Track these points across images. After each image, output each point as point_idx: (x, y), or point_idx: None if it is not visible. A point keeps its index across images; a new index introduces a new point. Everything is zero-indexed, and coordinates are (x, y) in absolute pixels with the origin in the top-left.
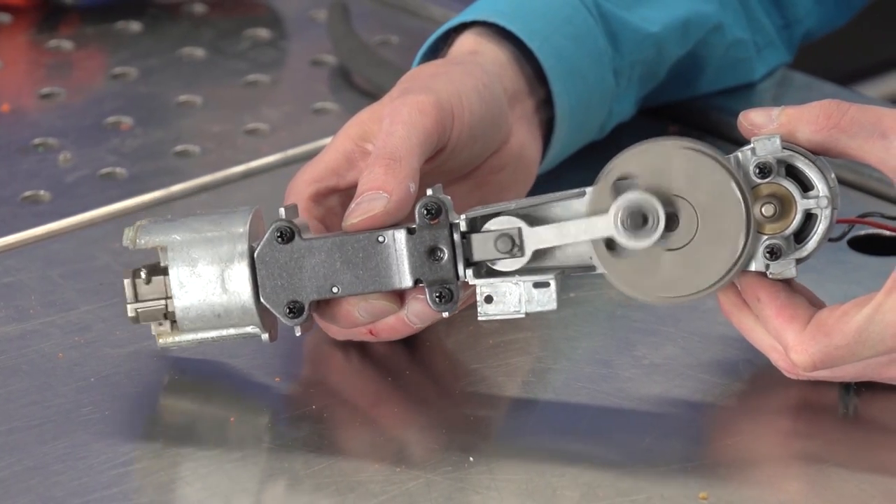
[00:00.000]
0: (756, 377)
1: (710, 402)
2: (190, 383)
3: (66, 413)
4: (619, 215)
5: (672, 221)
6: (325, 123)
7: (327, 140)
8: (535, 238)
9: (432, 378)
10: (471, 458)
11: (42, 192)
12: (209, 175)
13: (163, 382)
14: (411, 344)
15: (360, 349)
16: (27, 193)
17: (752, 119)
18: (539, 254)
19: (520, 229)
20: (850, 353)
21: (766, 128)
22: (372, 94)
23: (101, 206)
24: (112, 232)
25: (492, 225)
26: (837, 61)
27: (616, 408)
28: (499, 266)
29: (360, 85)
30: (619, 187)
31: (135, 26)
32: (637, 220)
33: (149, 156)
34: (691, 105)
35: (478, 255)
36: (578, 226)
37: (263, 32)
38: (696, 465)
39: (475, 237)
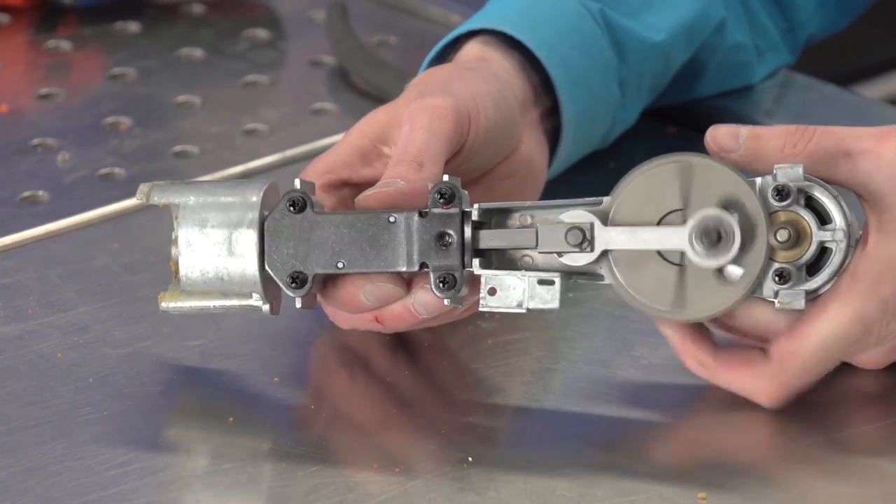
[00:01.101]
0: None
1: (709, 402)
2: (188, 384)
3: (65, 414)
4: (696, 230)
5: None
6: (323, 124)
7: (326, 141)
8: (606, 237)
9: (431, 378)
10: (469, 459)
11: (41, 193)
12: (208, 176)
13: (162, 383)
14: (410, 344)
15: (358, 349)
16: (26, 194)
17: (720, 141)
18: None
19: (592, 224)
20: (822, 363)
21: (734, 152)
22: (370, 95)
23: (99, 206)
24: (111, 232)
25: (564, 217)
26: (838, 62)
27: (615, 408)
28: (566, 259)
29: (358, 85)
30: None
31: (133, 27)
32: (712, 237)
33: (147, 156)
34: (690, 106)
35: (545, 246)
36: (652, 233)
37: (262, 33)
38: (695, 465)
39: (543, 228)
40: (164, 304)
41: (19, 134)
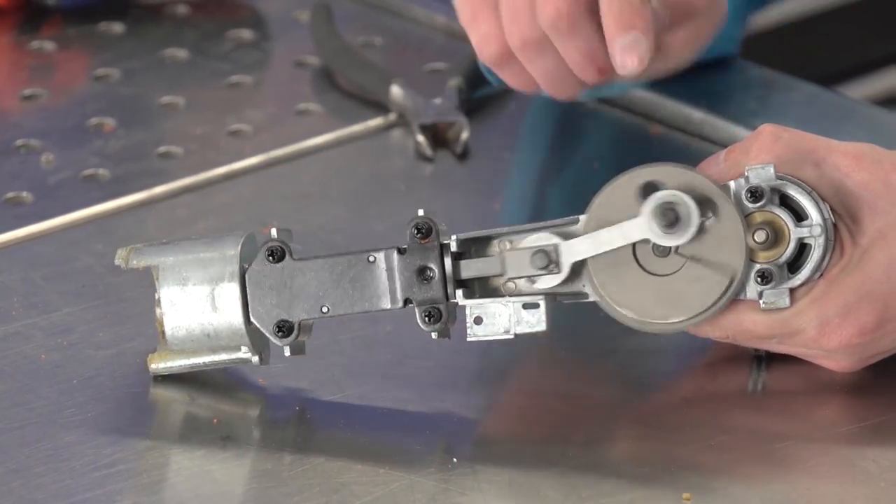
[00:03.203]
0: (739, 378)
1: (693, 402)
2: (174, 385)
3: (49, 415)
4: (652, 214)
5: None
6: (308, 125)
7: (311, 141)
8: (571, 251)
9: (415, 379)
10: (454, 459)
11: (24, 194)
12: (192, 177)
13: (146, 384)
14: (393, 344)
15: (343, 350)
16: (9, 195)
17: (706, 167)
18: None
19: (556, 245)
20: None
21: (716, 174)
22: (355, 96)
23: (83, 207)
24: (95, 234)
25: (527, 242)
26: (820, 62)
27: (598, 408)
28: (538, 284)
29: (343, 86)
30: (646, 192)
31: (117, 27)
32: (670, 217)
33: (132, 157)
34: (675, 106)
35: (512, 272)
36: (612, 232)
37: (246, 34)
38: (680, 465)
39: (509, 254)
40: (153, 366)
41: (3, 135)
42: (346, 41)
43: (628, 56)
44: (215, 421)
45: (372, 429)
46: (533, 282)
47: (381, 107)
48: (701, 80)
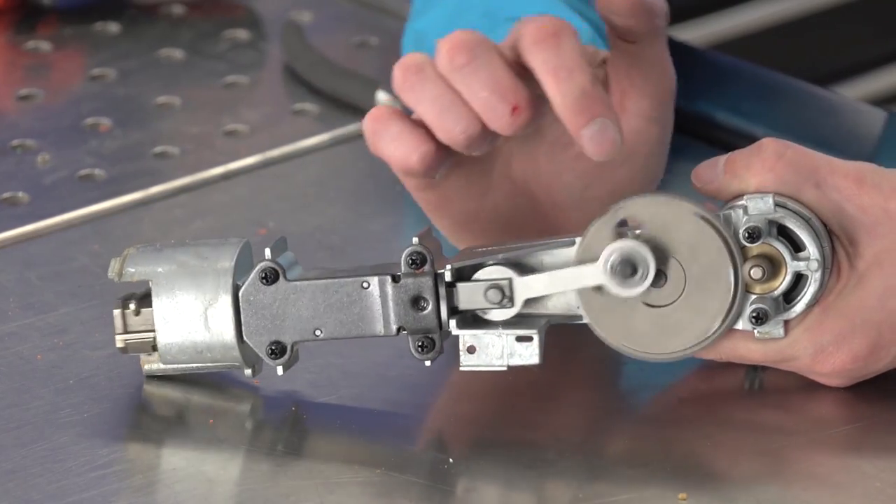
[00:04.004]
0: (736, 378)
1: (690, 402)
2: (169, 386)
3: (45, 416)
4: (610, 261)
5: (659, 278)
6: (304, 125)
7: (307, 142)
8: (525, 287)
9: (410, 379)
10: (450, 460)
11: (20, 194)
12: (188, 177)
13: (142, 385)
14: (388, 344)
15: (339, 351)
16: (5, 195)
17: (701, 174)
18: (527, 302)
19: (510, 280)
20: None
21: (714, 181)
22: (342, 100)
23: (79, 207)
24: (91, 234)
25: (482, 274)
26: (817, 61)
27: (595, 408)
28: (488, 316)
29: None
30: (620, 231)
31: (113, 27)
32: (626, 270)
33: (128, 157)
34: (675, 106)
35: (465, 304)
36: (568, 274)
37: (242, 34)
38: (676, 465)
39: (462, 286)
40: (146, 367)
41: None
42: (322, 54)
43: (597, 145)
44: (210, 421)
45: (367, 429)
46: (484, 313)
47: None
48: (701, 80)
